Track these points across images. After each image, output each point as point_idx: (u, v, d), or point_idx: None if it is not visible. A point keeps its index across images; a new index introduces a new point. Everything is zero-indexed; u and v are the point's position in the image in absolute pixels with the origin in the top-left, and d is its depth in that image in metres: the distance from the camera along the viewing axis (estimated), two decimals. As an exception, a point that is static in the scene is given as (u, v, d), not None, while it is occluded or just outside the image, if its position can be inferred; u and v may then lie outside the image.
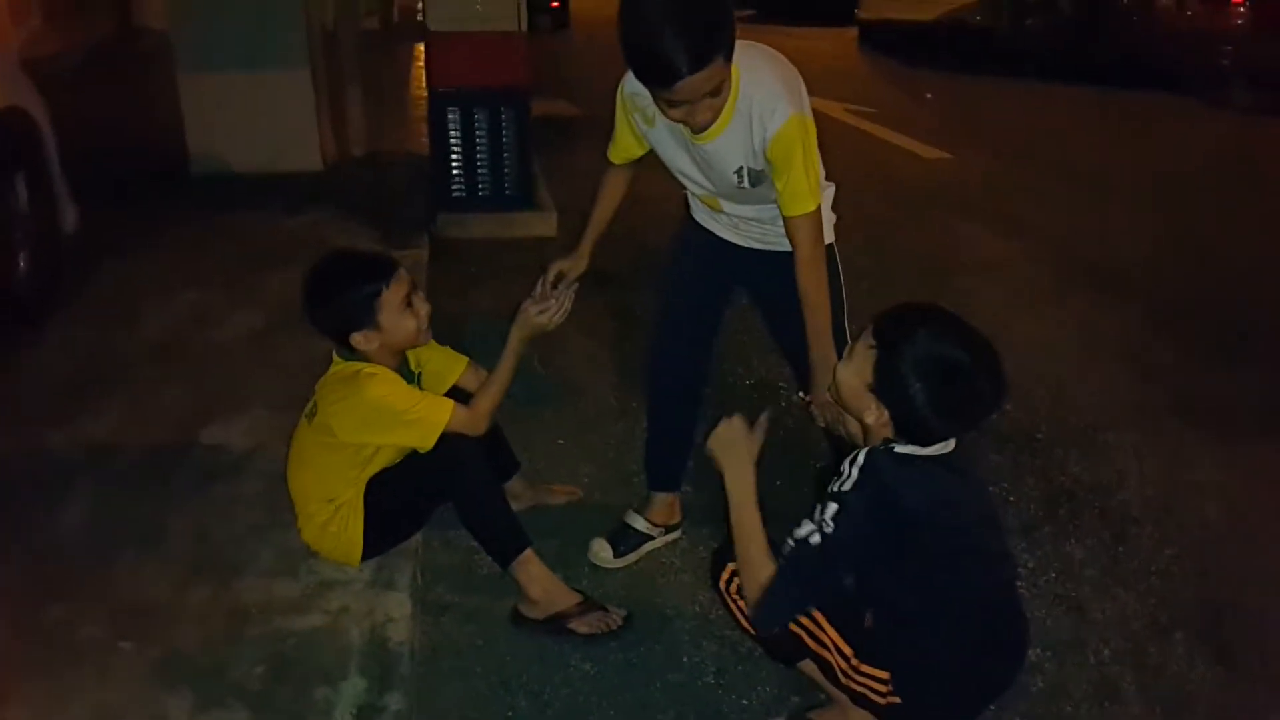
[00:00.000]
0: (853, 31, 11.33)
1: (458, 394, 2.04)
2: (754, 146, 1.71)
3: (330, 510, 1.92)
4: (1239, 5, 7.77)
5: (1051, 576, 2.15)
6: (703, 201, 1.96)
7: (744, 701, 1.78)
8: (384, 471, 1.94)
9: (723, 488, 1.60)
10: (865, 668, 1.54)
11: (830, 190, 1.91)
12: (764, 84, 1.67)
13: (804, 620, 1.57)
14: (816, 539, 1.46)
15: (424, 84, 5.67)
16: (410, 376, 2.01)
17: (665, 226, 2.72)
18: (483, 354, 2.20)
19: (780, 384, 2.95)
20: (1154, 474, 2.57)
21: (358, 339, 1.88)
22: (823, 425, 1.78)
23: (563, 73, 8.48)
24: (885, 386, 1.46)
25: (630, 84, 1.80)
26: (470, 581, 2.07)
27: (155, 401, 2.62)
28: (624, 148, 1.95)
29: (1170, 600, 2.08)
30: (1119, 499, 2.45)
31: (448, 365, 2.14)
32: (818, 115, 1.77)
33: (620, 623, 1.93)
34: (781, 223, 1.77)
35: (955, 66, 9.21)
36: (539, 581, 1.91)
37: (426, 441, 1.87)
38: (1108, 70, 8.20)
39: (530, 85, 4.30)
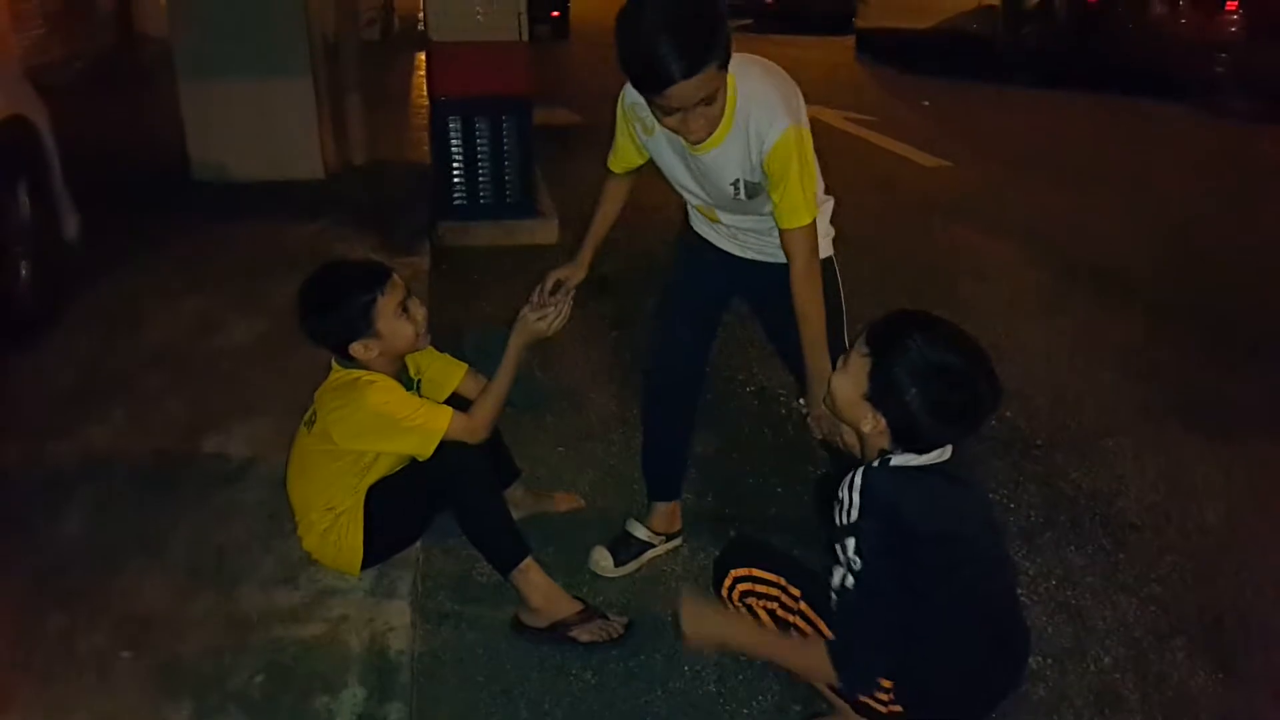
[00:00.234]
0: (850, 40, 11.36)
1: (457, 401, 2.04)
2: (751, 159, 1.71)
3: (331, 518, 1.92)
4: (1233, 13, 7.80)
5: (1052, 583, 2.15)
6: (701, 212, 1.97)
7: (745, 710, 1.77)
8: (384, 479, 1.94)
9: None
10: (868, 676, 1.54)
11: (829, 204, 1.91)
12: (761, 96, 1.68)
13: (805, 628, 1.57)
14: (852, 580, 1.47)
15: (425, 93, 5.69)
16: (409, 384, 2.02)
17: (664, 234, 2.73)
18: (484, 362, 2.20)
19: (780, 391, 2.95)
20: (1154, 479, 2.57)
21: (357, 348, 1.88)
22: (819, 437, 1.78)
23: (563, 81, 8.50)
24: (881, 394, 1.46)
25: (631, 94, 1.81)
26: (470, 589, 2.07)
27: (156, 410, 2.62)
28: (624, 157, 1.96)
29: (1171, 607, 2.08)
30: (1119, 505, 2.45)
31: (447, 372, 2.15)
32: (816, 124, 1.78)
33: (621, 631, 1.93)
34: (777, 234, 1.77)
35: (953, 74, 9.24)
36: (540, 589, 1.91)
37: (425, 449, 1.87)
38: (1104, 77, 8.23)
39: (532, 94, 4.32)
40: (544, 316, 1.92)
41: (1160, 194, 5.41)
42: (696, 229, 2.04)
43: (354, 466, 1.92)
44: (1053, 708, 1.80)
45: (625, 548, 2.16)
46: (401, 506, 1.95)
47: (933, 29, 9.71)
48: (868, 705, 1.55)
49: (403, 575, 1.98)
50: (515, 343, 1.94)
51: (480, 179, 4.34)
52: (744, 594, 1.65)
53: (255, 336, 3.09)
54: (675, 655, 1.90)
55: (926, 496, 1.47)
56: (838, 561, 1.48)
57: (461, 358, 2.20)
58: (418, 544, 2.07)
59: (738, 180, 1.77)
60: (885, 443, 1.50)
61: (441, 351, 2.15)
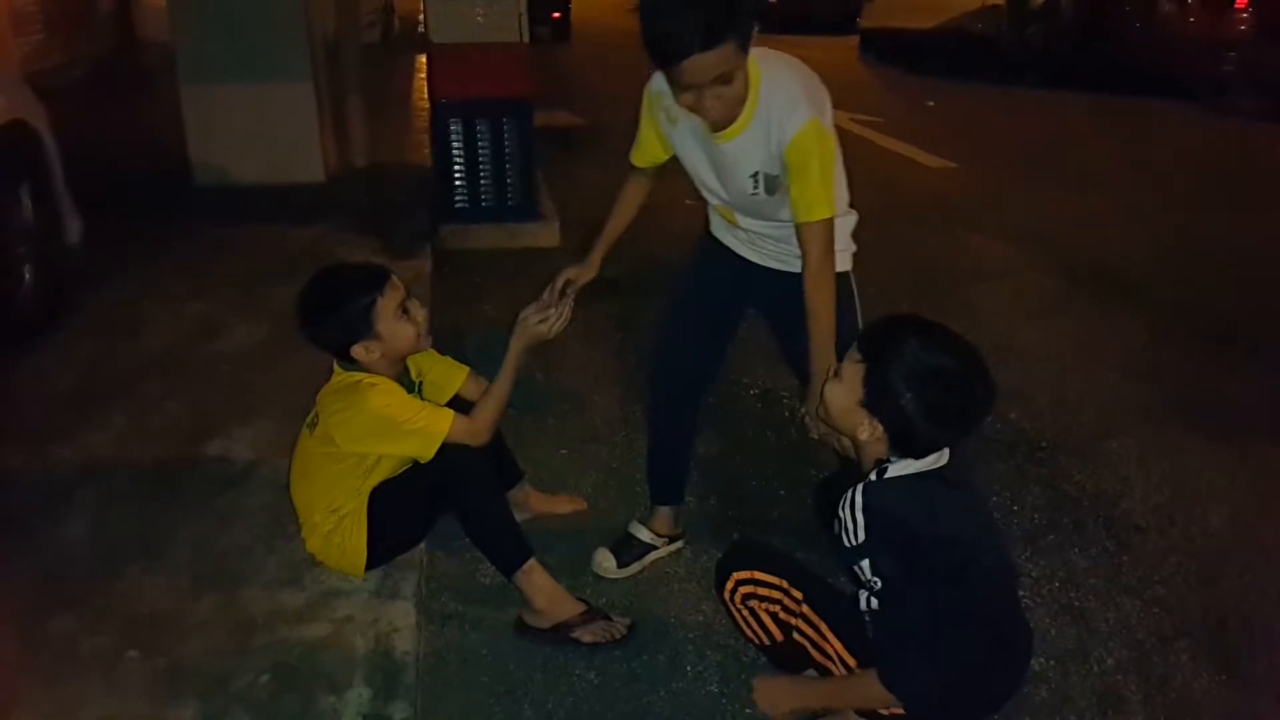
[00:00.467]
0: (854, 40, 11.36)
1: (459, 404, 2.04)
2: (771, 150, 1.70)
3: (334, 520, 1.93)
4: (1241, 11, 7.79)
5: (1055, 585, 2.14)
6: (721, 214, 1.96)
7: (748, 710, 1.77)
8: (387, 481, 1.95)
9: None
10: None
11: (852, 218, 1.90)
12: (784, 88, 1.68)
13: (808, 631, 1.58)
14: (876, 602, 1.47)
15: (425, 95, 5.70)
16: (411, 386, 2.02)
17: (668, 236, 2.73)
18: (486, 364, 2.20)
19: (783, 393, 2.95)
20: (1158, 481, 2.56)
21: (359, 351, 1.88)
22: (816, 438, 1.77)
23: (564, 83, 8.51)
24: (877, 400, 1.46)
25: (656, 82, 1.80)
26: (474, 591, 2.07)
27: (158, 413, 2.63)
28: (647, 149, 1.94)
29: (1174, 609, 2.07)
30: (1123, 507, 2.45)
31: (448, 375, 2.15)
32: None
33: (624, 632, 1.93)
34: (794, 242, 1.77)
35: (957, 75, 9.23)
36: (543, 591, 1.91)
37: (427, 451, 1.87)
38: (1110, 77, 8.22)
39: (533, 96, 4.33)
40: (545, 319, 1.92)
41: (1165, 195, 5.41)
42: (716, 234, 2.02)
43: (357, 469, 1.92)
44: (1055, 709, 1.80)
45: (628, 549, 2.16)
46: (404, 508, 1.95)
47: (937, 29, 9.73)
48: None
49: (407, 576, 1.98)
50: (516, 345, 1.94)
51: (481, 182, 4.34)
52: (746, 596, 1.65)
53: (256, 340, 3.10)
54: (678, 656, 1.90)
55: (926, 504, 1.47)
56: (859, 584, 1.48)
57: (463, 360, 2.21)
58: (422, 545, 2.07)
59: (757, 173, 1.75)
60: (883, 449, 1.50)
61: (443, 354, 2.16)
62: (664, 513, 2.21)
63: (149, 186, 4.73)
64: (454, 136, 4.25)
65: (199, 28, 4.63)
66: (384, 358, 1.90)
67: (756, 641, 1.69)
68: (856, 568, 1.47)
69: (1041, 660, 1.88)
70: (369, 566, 1.95)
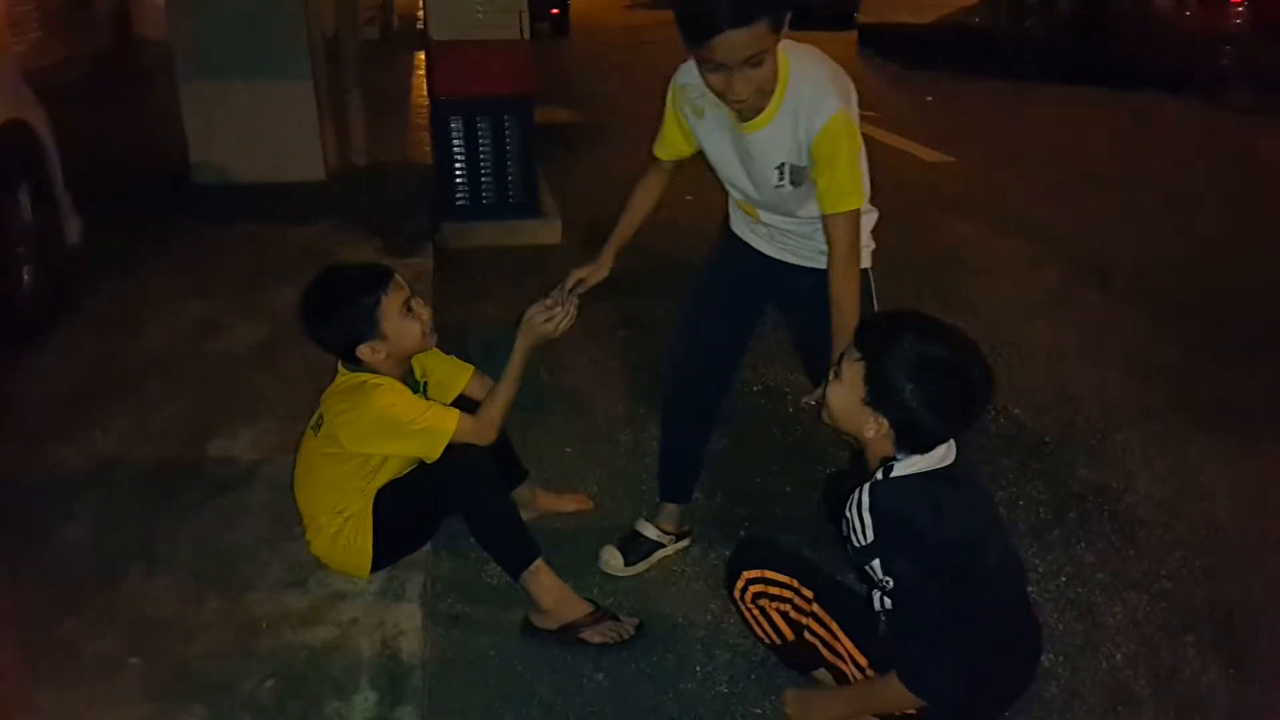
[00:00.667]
0: (852, 35, 11.33)
1: (464, 403, 2.03)
2: (799, 140, 1.69)
3: (340, 522, 1.92)
4: (1238, 5, 7.77)
5: (1062, 580, 2.14)
6: (743, 209, 1.94)
7: (757, 710, 1.76)
8: (393, 482, 1.94)
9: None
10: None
11: (873, 216, 1.89)
12: (813, 79, 1.68)
13: (819, 630, 1.57)
14: (889, 601, 1.48)
15: (425, 92, 5.68)
16: (416, 386, 2.01)
17: (670, 233, 2.73)
18: (489, 363, 2.19)
19: (787, 389, 2.94)
20: (1162, 476, 2.56)
21: (364, 351, 1.87)
22: (829, 422, 1.76)
23: (563, 79, 8.49)
24: (879, 394, 1.47)
25: (682, 74, 1.79)
26: (480, 592, 2.06)
27: (160, 414, 2.62)
28: (671, 142, 1.92)
29: (1181, 603, 2.07)
30: (1128, 501, 2.44)
31: (453, 374, 2.14)
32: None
33: (632, 632, 1.92)
34: (817, 237, 1.76)
35: (955, 69, 9.21)
36: (550, 591, 1.90)
37: (433, 452, 1.86)
38: (1108, 71, 8.20)
39: (534, 93, 4.31)
40: (551, 317, 1.91)
41: (1164, 189, 5.39)
42: (735, 231, 2.01)
43: (362, 469, 1.91)
44: (1065, 705, 1.79)
45: (635, 547, 2.15)
46: (410, 509, 1.94)
47: (935, 23, 9.69)
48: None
49: (412, 578, 1.98)
50: (521, 344, 1.93)
51: (483, 179, 4.33)
52: (756, 595, 1.64)
53: (258, 339, 3.09)
54: (686, 656, 1.89)
55: (932, 503, 1.47)
56: (871, 584, 1.49)
57: (467, 359, 2.20)
58: (427, 546, 2.06)
59: (783, 164, 1.74)
60: (889, 446, 1.50)
61: (446, 353, 2.15)
62: (671, 510, 2.20)
63: (148, 185, 4.72)
64: (455, 134, 4.23)
65: (198, 25, 4.61)
66: (389, 358, 1.89)
67: (767, 641, 1.68)
68: (868, 568, 1.48)
69: (1050, 656, 1.88)
70: (374, 568, 1.94)
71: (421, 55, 7.96)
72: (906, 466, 1.49)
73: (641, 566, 2.14)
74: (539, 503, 2.32)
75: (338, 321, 1.86)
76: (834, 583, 1.64)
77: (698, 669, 1.86)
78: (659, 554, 2.17)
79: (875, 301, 1.89)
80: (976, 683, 1.54)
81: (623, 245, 2.00)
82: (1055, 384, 3.03)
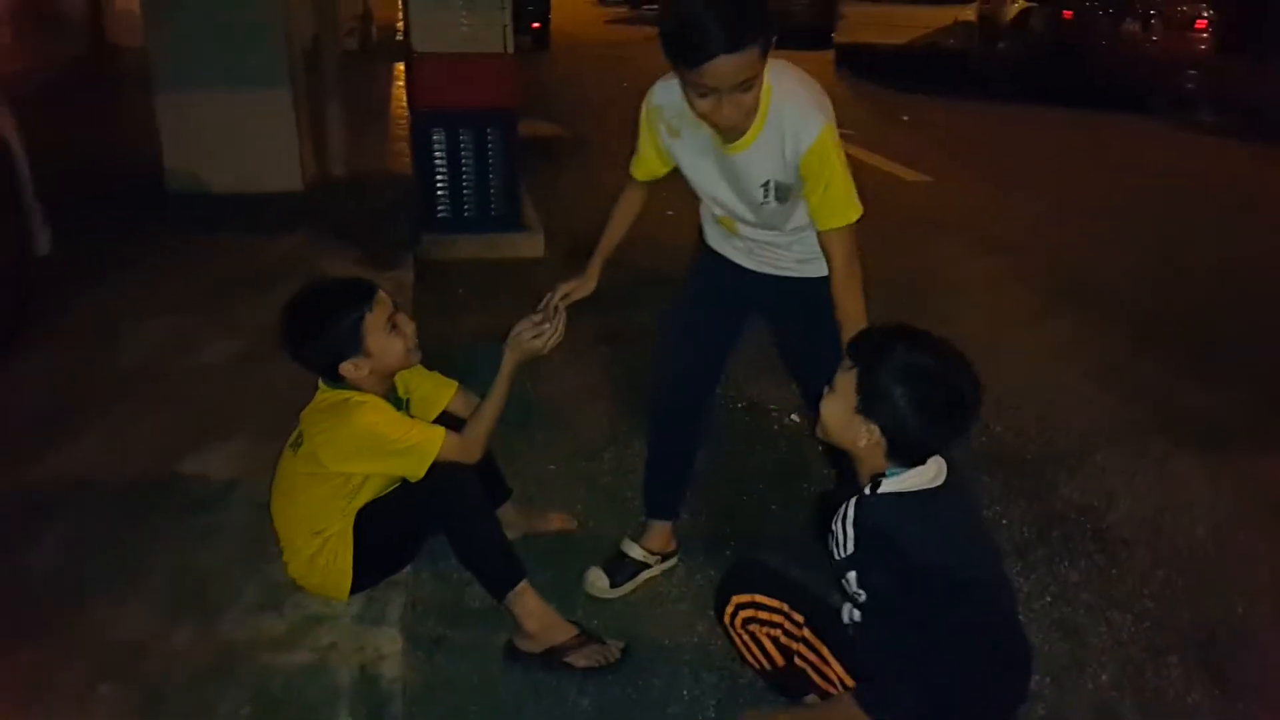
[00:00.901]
0: (829, 55, 11.45)
1: (448, 420, 2.00)
2: (785, 158, 1.69)
3: (319, 543, 1.87)
4: (1202, 30, 7.96)
5: (1047, 600, 2.14)
6: (721, 224, 1.94)
7: (745, 735, 1.74)
8: (374, 502, 1.90)
9: None
10: (872, 702, 1.52)
11: None
12: (796, 96, 1.68)
13: (809, 655, 1.55)
14: (859, 614, 1.49)
15: (405, 104, 5.64)
16: (399, 403, 1.97)
17: (652, 248, 2.71)
18: (472, 377, 2.16)
19: (772, 407, 2.93)
20: (1143, 493, 2.58)
21: (346, 368, 1.84)
22: (824, 438, 1.75)
23: (545, 92, 8.49)
24: (871, 403, 1.49)
25: (656, 95, 1.79)
26: (463, 614, 2.02)
27: (133, 431, 2.55)
28: (647, 163, 1.92)
29: (1165, 622, 2.07)
30: (1109, 520, 2.45)
31: (437, 391, 2.10)
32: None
33: (618, 655, 1.89)
34: (795, 247, 1.75)
35: (931, 89, 9.34)
36: (535, 614, 1.86)
37: (418, 471, 1.83)
38: (1078, 93, 8.36)
39: (517, 106, 4.29)
40: (540, 334, 1.88)
41: (1136, 208, 5.49)
42: (712, 244, 2.01)
43: (343, 489, 1.87)
44: (1053, 728, 1.79)
45: (621, 569, 2.12)
46: (392, 529, 1.90)
47: (910, 44, 9.83)
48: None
49: (392, 600, 1.94)
50: (509, 360, 1.90)
51: (464, 191, 4.30)
52: (746, 620, 1.62)
53: (233, 353, 3.02)
54: (674, 680, 1.86)
55: (919, 522, 1.48)
56: (845, 596, 1.48)
57: (450, 375, 2.16)
58: (407, 568, 2.02)
59: (769, 182, 1.74)
60: (881, 457, 1.51)
61: (428, 367, 2.11)
62: (658, 529, 2.17)
63: (122, 195, 4.62)
64: (437, 146, 4.20)
65: (174, 32, 4.55)
66: (372, 374, 1.85)
67: (757, 667, 1.66)
68: (844, 580, 1.48)
69: (1038, 677, 1.87)
70: (354, 590, 1.90)
71: (401, 66, 7.92)
72: (897, 483, 1.49)
73: (627, 588, 2.12)
74: (521, 522, 2.28)
75: (320, 338, 1.83)
76: (824, 606, 1.62)
77: (685, 693, 1.83)
78: (645, 575, 2.15)
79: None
80: (965, 704, 1.53)
81: (607, 259, 2.00)
82: (1034, 401, 3.05)
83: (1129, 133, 7.74)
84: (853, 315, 1.72)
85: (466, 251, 4.27)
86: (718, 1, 1.50)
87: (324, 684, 1.71)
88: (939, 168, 6.28)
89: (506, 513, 2.22)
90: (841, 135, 1.75)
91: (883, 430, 1.48)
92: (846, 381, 1.51)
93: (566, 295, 1.92)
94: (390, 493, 1.91)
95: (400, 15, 4.50)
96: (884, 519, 1.46)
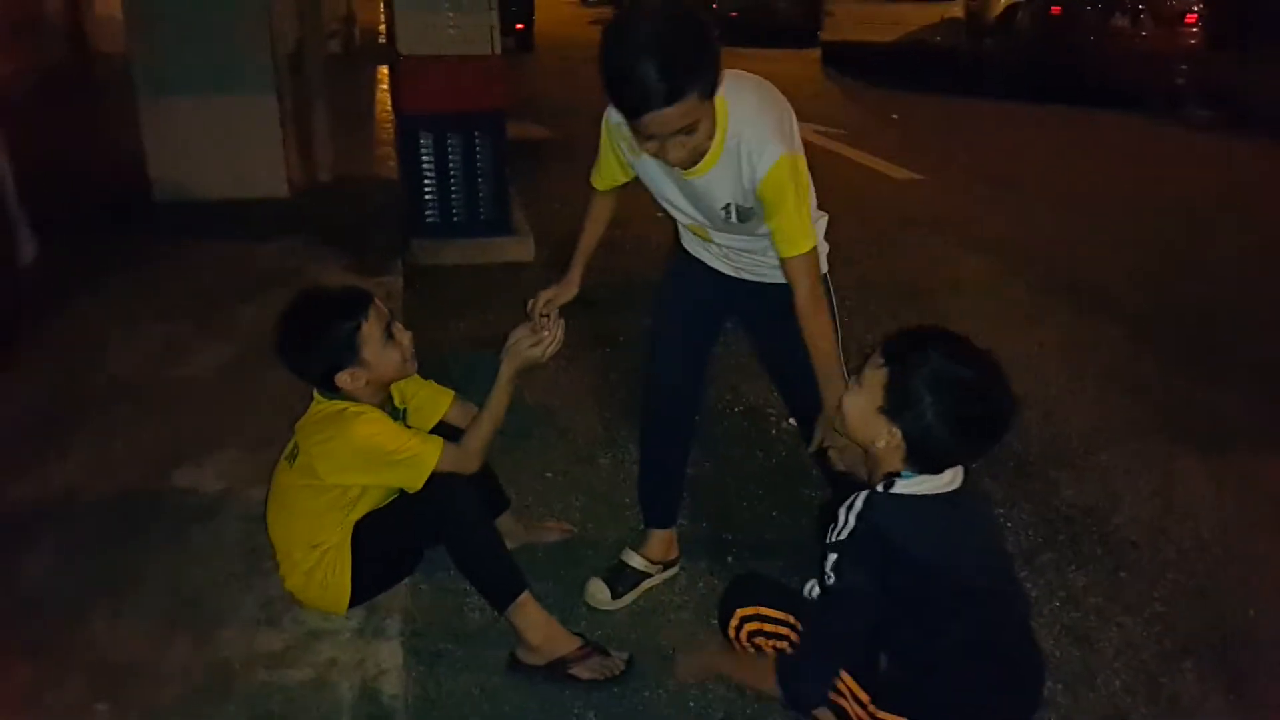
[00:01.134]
0: (816, 53, 11.45)
1: (445, 429, 1.97)
2: (744, 185, 1.67)
3: (316, 556, 1.83)
4: (1192, 25, 7.99)
5: (1056, 605, 2.12)
6: (693, 231, 1.92)
7: (754, 747, 1.71)
8: (372, 513, 1.86)
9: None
10: (883, 714, 1.49)
11: (823, 221, 1.88)
12: (752, 121, 1.64)
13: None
14: (817, 592, 1.46)
15: (390, 108, 5.58)
16: (395, 413, 1.94)
17: (645, 251, 2.69)
18: (466, 384, 2.13)
19: (770, 411, 2.91)
20: (1148, 495, 2.56)
21: (343, 378, 1.80)
22: (843, 470, 1.73)
23: (530, 94, 8.45)
24: (898, 406, 1.44)
25: (614, 113, 1.76)
26: (464, 627, 1.98)
27: (123, 443, 2.50)
28: (608, 174, 1.91)
29: (1177, 626, 2.06)
30: (1115, 522, 2.43)
31: (434, 400, 2.07)
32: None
33: (623, 667, 1.86)
34: (770, 253, 1.74)
35: (918, 87, 9.34)
36: (537, 626, 1.83)
37: (416, 482, 1.79)
38: (1066, 89, 8.37)
39: (505, 109, 4.25)
40: (538, 341, 1.85)
41: (1128, 205, 5.49)
42: (688, 248, 1.99)
43: (340, 501, 1.83)
44: (1067, 735, 1.77)
45: (621, 578, 2.09)
46: (391, 541, 1.87)
47: (898, 42, 9.82)
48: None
49: (392, 614, 1.90)
50: (507, 369, 1.87)
51: (453, 196, 4.25)
52: (752, 633, 1.60)
53: (223, 362, 2.98)
54: (680, 691, 1.83)
55: (922, 526, 1.44)
56: (820, 572, 1.46)
57: (443, 382, 2.13)
58: (406, 580, 1.98)
59: (729, 205, 1.73)
60: (898, 460, 1.47)
61: (421, 374, 2.07)
62: (657, 537, 2.14)
63: (107, 203, 4.55)
64: (424, 150, 4.15)
65: (157, 38, 4.48)
66: (369, 385, 1.82)
67: (765, 679, 1.63)
68: (824, 558, 1.45)
69: (1049, 684, 1.84)
70: (352, 604, 1.86)
71: (385, 70, 7.86)
72: (911, 485, 1.46)
73: (629, 598, 2.08)
74: (520, 532, 2.24)
75: (316, 349, 1.79)
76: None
77: (691, 704, 1.80)
78: (646, 584, 2.12)
79: (834, 304, 1.84)
80: (974, 712, 1.50)
81: (588, 263, 1.99)
82: (1037, 402, 3.03)
83: (1119, 129, 7.75)
84: (819, 341, 1.69)
85: (455, 256, 4.23)
86: (652, 52, 1.44)
87: (324, 701, 1.67)
88: (930, 166, 6.27)
89: (504, 522, 2.19)
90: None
91: (905, 435, 1.44)
92: (875, 379, 1.46)
93: (550, 301, 1.90)
94: (388, 504, 1.87)
95: (383, 18, 4.44)
96: (889, 521, 1.42)
